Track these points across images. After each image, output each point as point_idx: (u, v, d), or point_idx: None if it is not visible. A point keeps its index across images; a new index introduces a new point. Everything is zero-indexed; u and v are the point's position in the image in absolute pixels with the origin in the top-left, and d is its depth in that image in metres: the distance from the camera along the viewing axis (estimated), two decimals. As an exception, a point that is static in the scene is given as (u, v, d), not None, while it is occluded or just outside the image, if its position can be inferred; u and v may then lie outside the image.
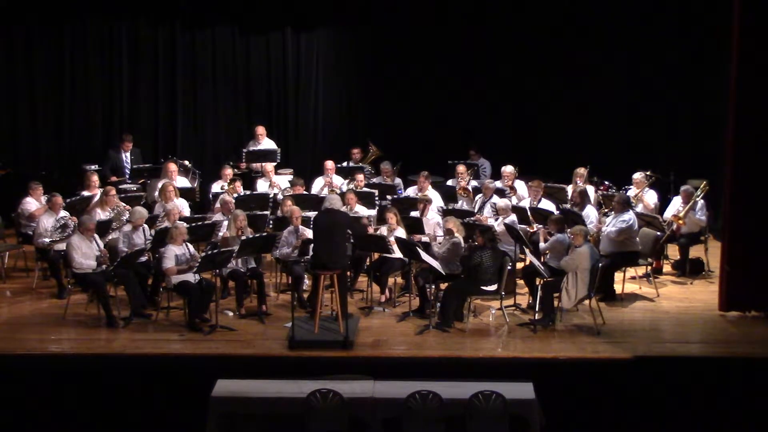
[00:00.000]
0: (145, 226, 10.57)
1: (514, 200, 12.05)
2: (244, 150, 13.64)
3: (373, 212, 11.75)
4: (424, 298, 10.22)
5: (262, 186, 12.88)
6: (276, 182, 12.84)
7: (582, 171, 12.41)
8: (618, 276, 10.93)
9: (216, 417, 8.18)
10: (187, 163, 13.43)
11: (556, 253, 10.20)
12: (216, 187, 12.57)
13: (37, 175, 12.97)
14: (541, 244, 10.52)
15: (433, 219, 11.33)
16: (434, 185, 12.66)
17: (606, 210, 11.69)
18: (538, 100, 14.96)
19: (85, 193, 11.87)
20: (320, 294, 9.57)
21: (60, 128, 15.11)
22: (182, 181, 12.63)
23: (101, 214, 11.17)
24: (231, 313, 10.27)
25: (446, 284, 10.13)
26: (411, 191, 12.58)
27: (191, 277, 9.88)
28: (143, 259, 10.46)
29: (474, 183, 12.76)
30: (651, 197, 12.12)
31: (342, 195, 11.85)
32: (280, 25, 15.23)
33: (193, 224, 10.77)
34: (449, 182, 13.13)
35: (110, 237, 10.90)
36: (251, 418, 8.25)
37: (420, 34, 14.94)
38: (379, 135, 14.41)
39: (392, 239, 10.32)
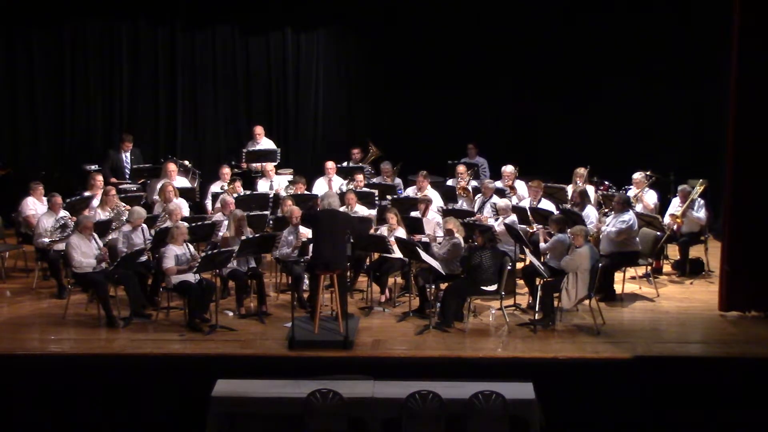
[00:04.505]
0: (144, 226, 10.58)
1: (514, 200, 12.05)
2: (244, 150, 13.65)
3: (373, 212, 11.75)
4: (424, 298, 10.22)
5: (262, 186, 12.89)
6: (278, 185, 12.85)
7: (582, 171, 12.41)
8: (618, 276, 10.93)
9: (216, 417, 8.18)
10: (187, 163, 13.44)
11: (556, 253, 10.20)
12: (216, 187, 12.58)
13: (37, 175, 12.98)
14: (542, 245, 10.52)
15: (433, 219, 11.33)
16: (434, 185, 12.66)
17: (606, 210, 11.69)
18: (538, 101, 14.96)
19: (86, 193, 11.88)
20: (320, 294, 9.56)
21: (60, 128, 15.11)
22: (182, 181, 12.64)
23: (101, 214, 11.18)
24: (231, 313, 10.26)
25: (446, 284, 10.13)
26: (411, 191, 12.59)
27: (191, 277, 9.88)
28: (143, 259, 10.46)
29: (474, 183, 12.77)
30: (651, 197, 12.13)
31: (342, 195, 11.88)
32: (280, 25, 15.24)
33: (193, 224, 10.78)
34: (449, 182, 13.13)
35: (110, 237, 10.90)
36: (251, 418, 8.25)
37: (420, 33, 14.95)
38: (379, 135, 14.42)
39: (392, 239, 10.32)
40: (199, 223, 11.00)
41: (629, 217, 10.79)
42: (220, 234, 10.85)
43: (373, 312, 10.39)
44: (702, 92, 14.37)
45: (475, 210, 11.86)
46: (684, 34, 14.51)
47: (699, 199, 11.72)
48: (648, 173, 12.38)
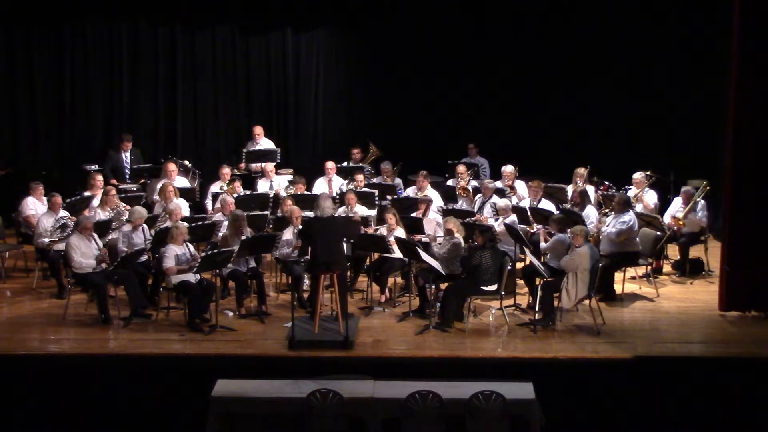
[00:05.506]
0: (145, 226, 10.58)
1: (514, 200, 12.05)
2: (244, 150, 13.65)
3: (373, 212, 11.75)
4: (424, 298, 10.22)
5: (262, 186, 12.89)
6: (278, 185, 12.85)
7: (582, 171, 12.41)
8: (618, 276, 10.93)
9: (216, 417, 8.18)
10: (187, 163, 13.44)
11: (556, 253, 10.20)
12: (215, 187, 12.57)
13: (37, 175, 12.99)
14: (542, 244, 10.53)
15: (433, 219, 11.33)
16: (434, 185, 12.66)
17: (606, 210, 11.69)
18: (538, 100, 14.97)
19: (86, 194, 11.89)
20: (320, 294, 9.56)
21: (60, 128, 15.11)
22: (182, 181, 12.63)
23: (101, 214, 11.19)
24: (231, 313, 10.27)
25: (446, 284, 10.13)
26: (411, 191, 12.59)
27: (191, 277, 9.88)
28: (143, 259, 10.46)
29: (474, 183, 12.77)
30: (651, 197, 12.13)
31: (342, 195, 11.88)
32: (280, 25, 15.25)
33: (193, 224, 10.78)
34: (449, 182, 13.13)
35: (110, 237, 10.90)
36: (251, 418, 8.25)
37: (420, 34, 14.96)
38: (379, 135, 14.42)
39: (392, 239, 10.32)
40: (199, 223, 11.00)
41: (629, 217, 10.79)
42: (220, 234, 10.85)
43: (373, 312, 10.39)
44: (702, 91, 14.37)
45: (475, 210, 11.86)
46: (684, 33, 14.50)
47: (701, 201, 11.72)
48: (648, 173, 12.38)
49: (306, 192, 12.27)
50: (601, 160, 13.12)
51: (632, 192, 12.15)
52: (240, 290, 10.35)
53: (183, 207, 11.60)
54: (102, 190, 11.67)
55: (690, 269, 11.77)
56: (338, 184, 12.93)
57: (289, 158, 14.80)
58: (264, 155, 13.47)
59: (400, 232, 10.64)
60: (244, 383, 8.41)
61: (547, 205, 11.61)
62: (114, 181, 13.01)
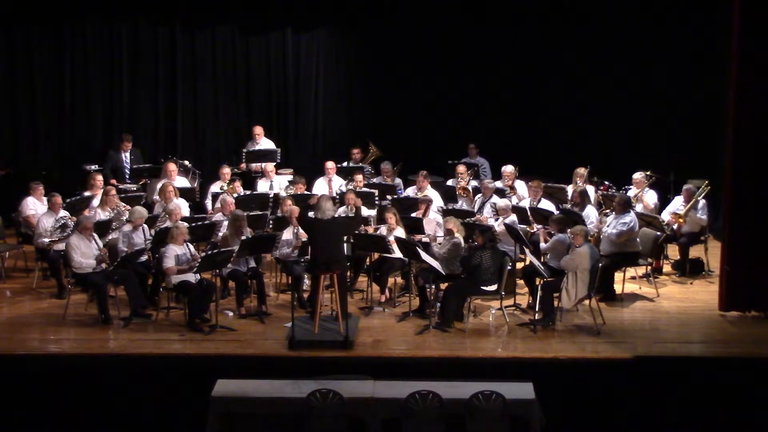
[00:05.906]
0: (145, 226, 10.58)
1: (514, 200, 12.05)
2: (244, 150, 13.65)
3: (373, 212, 11.76)
4: (424, 298, 10.22)
5: (262, 186, 12.89)
6: (278, 185, 12.85)
7: (582, 171, 12.42)
8: (618, 276, 10.93)
9: (216, 417, 8.18)
10: (187, 163, 13.44)
11: (556, 253, 10.20)
12: (215, 187, 12.57)
13: (37, 175, 12.99)
14: (542, 245, 10.53)
15: (433, 219, 11.33)
16: (434, 185, 12.66)
17: (606, 210, 11.69)
18: (538, 100, 14.98)
19: (86, 194, 11.89)
20: (320, 294, 9.56)
21: (60, 128, 15.12)
22: (182, 181, 12.64)
23: (101, 214, 11.19)
24: (231, 313, 10.27)
25: (446, 284, 10.12)
26: (411, 191, 12.59)
27: (191, 277, 9.88)
28: (143, 259, 10.46)
29: (474, 183, 12.77)
30: (651, 197, 12.13)
31: (342, 195, 11.88)
32: (280, 25, 15.26)
33: (193, 224, 10.78)
34: (449, 182, 13.14)
35: (110, 237, 10.90)
36: (251, 418, 8.25)
37: (420, 34, 14.96)
38: (379, 135, 14.42)
39: (392, 239, 10.32)
40: (199, 223, 11.00)
41: (630, 219, 10.78)
42: (220, 234, 10.85)
43: (373, 312, 10.39)
44: (702, 91, 14.37)
45: (475, 210, 11.86)
46: (684, 33, 14.51)
47: (702, 200, 11.72)
48: (648, 173, 12.38)
49: (306, 192, 12.27)
50: (601, 160, 13.12)
51: (632, 192, 12.15)
52: (240, 290, 10.35)
53: (183, 207, 11.60)
54: (102, 190, 11.67)
55: (690, 269, 11.77)
56: (338, 184, 12.93)
57: (289, 158, 14.80)
58: (264, 155, 13.47)
59: (400, 232, 10.63)
60: (244, 383, 8.41)
61: (547, 205, 11.61)
62: (114, 181, 13.01)
